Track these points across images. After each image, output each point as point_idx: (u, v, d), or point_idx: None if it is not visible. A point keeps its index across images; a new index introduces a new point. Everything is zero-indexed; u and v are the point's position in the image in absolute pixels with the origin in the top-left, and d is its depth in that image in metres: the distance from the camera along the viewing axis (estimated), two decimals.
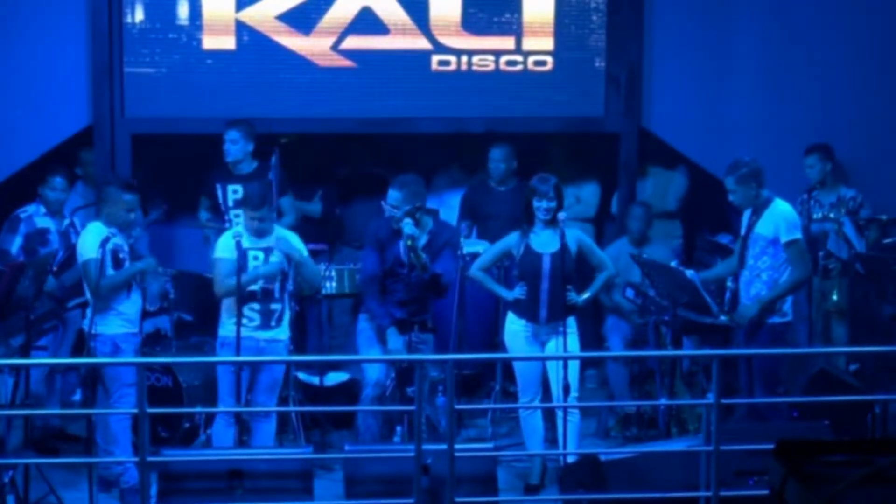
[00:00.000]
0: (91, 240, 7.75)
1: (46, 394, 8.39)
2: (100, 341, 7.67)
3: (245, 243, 7.85)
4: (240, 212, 8.76)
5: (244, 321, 7.80)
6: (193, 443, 8.36)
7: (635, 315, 8.98)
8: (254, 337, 7.84)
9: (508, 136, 9.71)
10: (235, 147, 8.99)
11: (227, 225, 8.89)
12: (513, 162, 9.47)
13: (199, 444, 8.30)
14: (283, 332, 7.95)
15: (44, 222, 8.56)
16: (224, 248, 7.89)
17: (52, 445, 8.43)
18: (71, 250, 8.31)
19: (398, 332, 8.03)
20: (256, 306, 7.85)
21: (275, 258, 7.84)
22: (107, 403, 7.73)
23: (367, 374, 8.18)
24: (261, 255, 7.88)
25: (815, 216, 9.04)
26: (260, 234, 7.87)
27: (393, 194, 8.01)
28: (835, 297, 9.19)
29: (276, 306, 7.90)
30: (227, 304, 7.87)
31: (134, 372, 7.71)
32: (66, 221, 8.66)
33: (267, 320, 7.88)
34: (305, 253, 8.00)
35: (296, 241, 7.99)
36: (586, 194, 10.18)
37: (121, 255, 7.80)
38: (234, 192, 8.97)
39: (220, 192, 9.04)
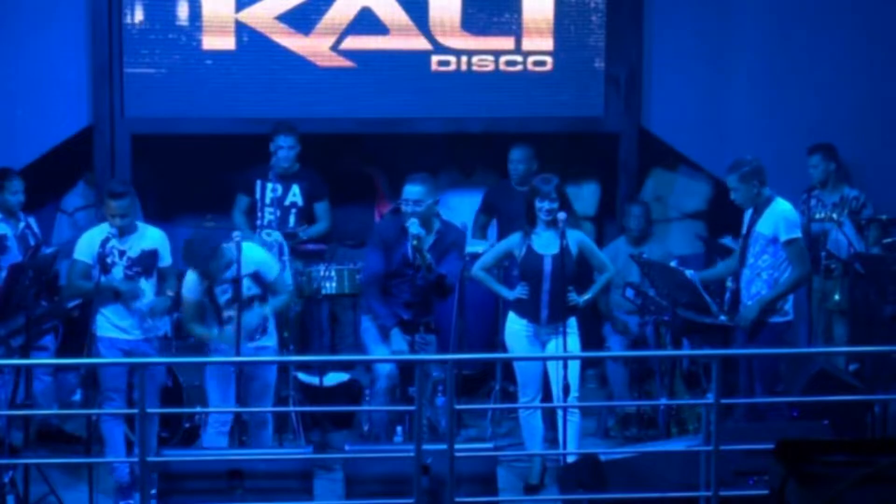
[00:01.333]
0: (87, 241, 7.76)
1: (39, 395, 8.36)
2: (95, 340, 7.72)
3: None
4: (275, 210, 8.92)
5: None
6: (193, 443, 8.36)
7: (635, 315, 8.97)
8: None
9: (507, 137, 9.71)
10: (293, 152, 9.08)
11: (257, 222, 9.01)
12: (533, 163, 9.36)
13: (199, 444, 8.29)
14: (269, 340, 7.85)
15: (1, 229, 8.46)
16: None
17: (49, 446, 8.42)
18: (34, 252, 8.28)
19: (402, 333, 8.03)
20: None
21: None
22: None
23: (379, 367, 8.18)
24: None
25: (817, 216, 9.03)
26: None
27: (414, 189, 7.96)
28: (836, 297, 9.19)
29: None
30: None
31: (121, 378, 7.72)
32: (22, 224, 8.58)
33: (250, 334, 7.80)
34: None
35: (263, 262, 7.87)
36: (586, 193, 10.17)
37: (108, 260, 7.73)
38: (273, 190, 9.08)
39: (259, 189, 9.07)
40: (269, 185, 9.11)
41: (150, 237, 7.87)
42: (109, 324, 7.75)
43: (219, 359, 7.80)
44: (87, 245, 7.72)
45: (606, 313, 9.17)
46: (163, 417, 8.31)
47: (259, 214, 9.10)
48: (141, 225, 7.91)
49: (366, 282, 8.20)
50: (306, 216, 9.18)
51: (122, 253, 7.76)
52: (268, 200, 9.07)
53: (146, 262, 7.82)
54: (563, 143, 10.19)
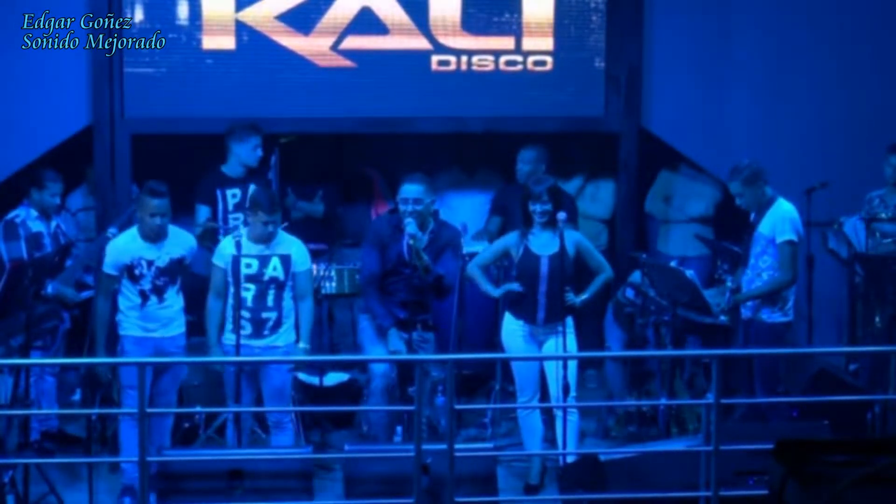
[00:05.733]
0: (115, 252, 7.80)
1: (38, 396, 8.35)
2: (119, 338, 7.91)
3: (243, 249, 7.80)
4: (239, 215, 8.75)
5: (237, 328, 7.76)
6: (193, 443, 8.36)
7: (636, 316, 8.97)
8: (249, 345, 7.75)
9: (507, 136, 9.71)
10: (258, 152, 8.95)
11: (224, 227, 8.88)
12: (541, 164, 9.21)
13: (199, 443, 8.30)
14: (280, 339, 7.81)
15: (37, 226, 8.46)
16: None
17: (49, 447, 8.41)
18: (62, 253, 8.29)
19: (400, 331, 8.03)
20: (247, 314, 7.75)
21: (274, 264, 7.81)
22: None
23: (374, 366, 8.16)
24: (254, 262, 7.79)
25: (881, 215, 8.99)
26: (269, 238, 7.81)
27: (413, 188, 7.96)
28: None
29: (267, 315, 7.79)
30: (227, 310, 7.81)
31: (131, 374, 7.72)
32: (54, 223, 8.62)
33: (258, 329, 7.77)
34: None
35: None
36: (604, 194, 10.15)
37: (136, 272, 7.76)
38: (234, 195, 8.91)
39: (220, 198, 8.98)
40: (230, 192, 8.91)
41: (179, 244, 7.88)
42: (134, 324, 7.79)
43: (219, 358, 7.80)
44: (115, 256, 7.77)
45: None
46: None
47: (221, 224, 8.86)
48: (172, 230, 7.90)
49: (364, 282, 8.18)
50: None
51: (150, 263, 7.76)
52: (230, 207, 8.95)
53: (174, 270, 7.83)
54: (562, 143, 10.19)
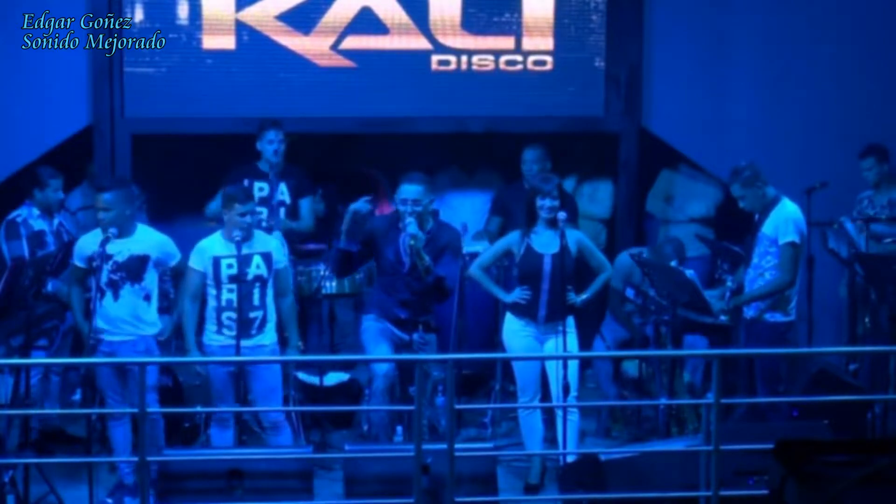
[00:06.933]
0: (83, 244, 7.72)
1: (42, 395, 8.34)
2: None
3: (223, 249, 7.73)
4: (264, 209, 8.74)
5: (224, 329, 7.70)
6: (193, 443, 8.36)
7: (635, 316, 8.97)
8: (235, 345, 7.68)
9: (508, 136, 9.71)
10: (283, 146, 8.94)
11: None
12: (546, 163, 9.25)
13: (199, 444, 8.30)
14: (266, 338, 7.77)
15: (39, 224, 8.47)
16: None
17: (50, 447, 8.41)
18: (65, 250, 8.29)
19: (401, 331, 8.04)
20: (233, 315, 7.67)
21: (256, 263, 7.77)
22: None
23: (375, 367, 8.15)
24: (234, 262, 7.67)
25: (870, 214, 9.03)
26: (248, 232, 7.73)
27: (412, 189, 7.95)
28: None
29: (254, 314, 7.74)
30: (207, 311, 7.78)
31: (109, 378, 7.67)
32: (57, 221, 8.62)
33: (246, 329, 7.69)
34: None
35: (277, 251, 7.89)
36: (602, 195, 10.14)
37: (94, 263, 7.62)
38: (260, 189, 8.90)
39: None
40: (257, 184, 8.94)
41: (145, 242, 7.73)
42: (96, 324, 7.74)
43: (219, 359, 7.78)
44: (84, 249, 7.70)
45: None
46: (162, 417, 8.31)
47: None
48: (141, 228, 7.82)
49: (334, 249, 8.23)
50: (293, 213, 9.10)
51: (108, 257, 7.61)
52: (256, 199, 8.98)
53: (133, 268, 7.69)
54: (562, 143, 10.19)
